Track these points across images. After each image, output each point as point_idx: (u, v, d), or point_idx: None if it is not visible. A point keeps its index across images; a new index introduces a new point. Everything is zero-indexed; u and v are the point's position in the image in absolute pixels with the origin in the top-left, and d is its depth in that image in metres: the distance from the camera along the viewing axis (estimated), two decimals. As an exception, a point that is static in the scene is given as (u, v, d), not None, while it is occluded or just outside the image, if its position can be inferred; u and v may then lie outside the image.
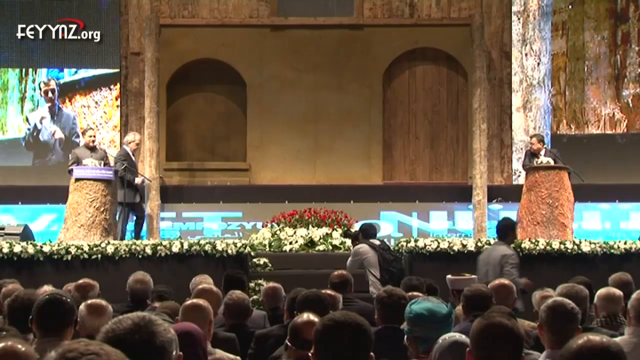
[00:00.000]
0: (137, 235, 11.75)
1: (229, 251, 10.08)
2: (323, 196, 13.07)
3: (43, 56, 14.27)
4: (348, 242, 11.12)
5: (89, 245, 10.03)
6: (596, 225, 13.22)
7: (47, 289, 5.91)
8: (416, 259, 10.19)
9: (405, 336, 3.85)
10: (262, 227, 12.19)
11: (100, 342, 2.00)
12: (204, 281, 6.71)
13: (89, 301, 4.73)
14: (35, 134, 14.20)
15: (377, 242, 9.41)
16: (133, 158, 11.96)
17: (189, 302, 4.63)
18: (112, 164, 11.70)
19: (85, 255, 9.94)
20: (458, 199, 13.44)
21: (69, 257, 9.92)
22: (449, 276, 6.81)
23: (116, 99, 14.31)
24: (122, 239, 11.20)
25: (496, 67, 14.17)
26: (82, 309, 4.53)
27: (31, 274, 9.58)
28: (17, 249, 9.97)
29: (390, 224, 13.15)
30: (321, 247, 11.57)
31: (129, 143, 12.00)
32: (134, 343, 2.17)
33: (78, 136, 13.90)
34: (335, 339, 2.85)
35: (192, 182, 14.03)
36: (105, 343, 1.99)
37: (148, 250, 10.06)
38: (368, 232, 9.61)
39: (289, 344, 3.88)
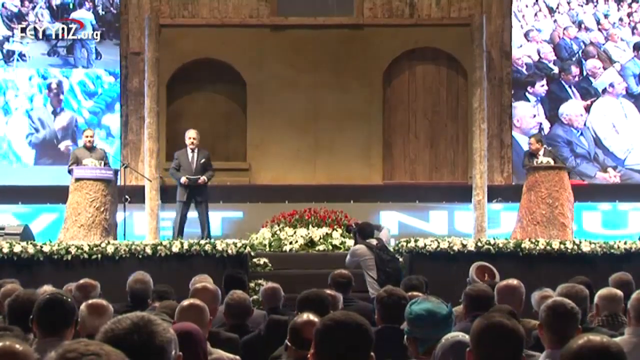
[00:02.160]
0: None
1: (229, 251, 10.08)
2: (323, 196, 13.06)
3: (44, 56, 14.24)
4: (348, 242, 11.12)
5: (89, 245, 10.03)
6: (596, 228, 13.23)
7: (47, 289, 5.90)
8: (416, 259, 10.18)
9: (405, 336, 3.84)
10: (262, 227, 12.17)
11: (100, 342, 2.00)
12: (204, 281, 6.70)
13: (90, 301, 4.72)
14: (37, 132, 14.16)
15: (374, 242, 9.34)
16: (189, 156, 11.97)
17: (185, 302, 4.60)
18: (111, 163, 11.68)
19: (85, 255, 9.94)
20: (458, 199, 13.43)
21: (69, 257, 9.93)
22: (473, 268, 6.83)
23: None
24: (179, 235, 11.27)
25: (496, 67, 14.16)
26: (82, 309, 4.52)
27: (31, 274, 9.57)
28: (17, 249, 9.97)
29: (390, 224, 13.12)
30: (321, 247, 11.57)
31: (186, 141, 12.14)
32: (133, 343, 2.17)
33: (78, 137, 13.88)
34: (336, 339, 2.84)
35: (192, 182, 13.99)
36: (105, 343, 1.99)
37: (148, 250, 10.06)
38: (365, 231, 9.53)
39: (289, 343, 3.88)
